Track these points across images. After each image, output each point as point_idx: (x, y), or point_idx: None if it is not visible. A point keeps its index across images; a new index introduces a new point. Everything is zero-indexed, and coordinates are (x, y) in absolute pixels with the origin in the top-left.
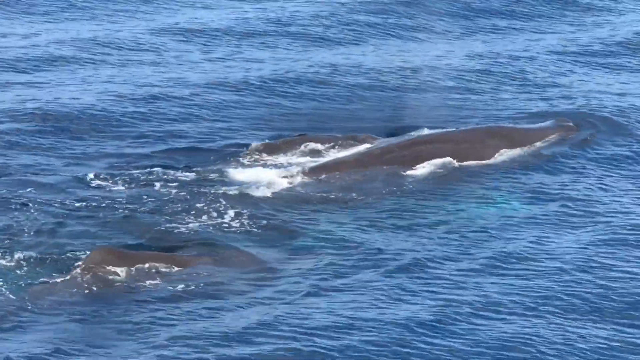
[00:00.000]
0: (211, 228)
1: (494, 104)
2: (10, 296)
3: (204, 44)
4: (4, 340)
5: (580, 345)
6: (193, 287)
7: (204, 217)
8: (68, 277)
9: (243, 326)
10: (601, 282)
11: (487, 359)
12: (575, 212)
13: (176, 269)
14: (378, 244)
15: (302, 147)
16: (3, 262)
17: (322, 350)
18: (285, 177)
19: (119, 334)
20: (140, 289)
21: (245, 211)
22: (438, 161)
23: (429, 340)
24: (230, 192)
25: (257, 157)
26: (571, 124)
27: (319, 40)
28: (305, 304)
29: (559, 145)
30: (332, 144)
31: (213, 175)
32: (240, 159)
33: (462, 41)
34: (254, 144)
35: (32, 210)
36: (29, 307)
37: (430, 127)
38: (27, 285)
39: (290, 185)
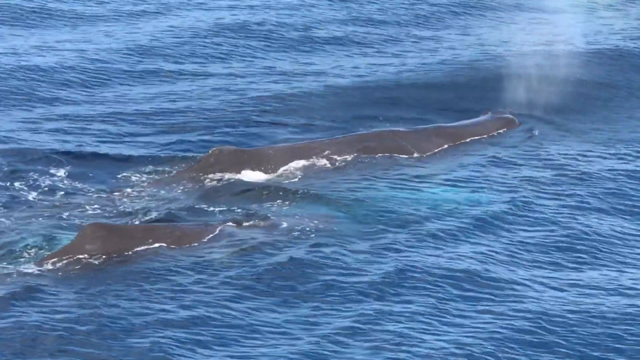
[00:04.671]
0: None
1: None
2: (7, 279)
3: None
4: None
5: None
6: (186, 258)
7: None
8: (61, 255)
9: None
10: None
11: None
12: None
13: (169, 239)
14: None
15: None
16: None
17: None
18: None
19: (116, 311)
20: (134, 263)
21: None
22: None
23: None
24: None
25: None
26: (510, 116)
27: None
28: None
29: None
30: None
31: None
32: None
33: None
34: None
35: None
36: (24, 287)
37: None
38: (21, 265)
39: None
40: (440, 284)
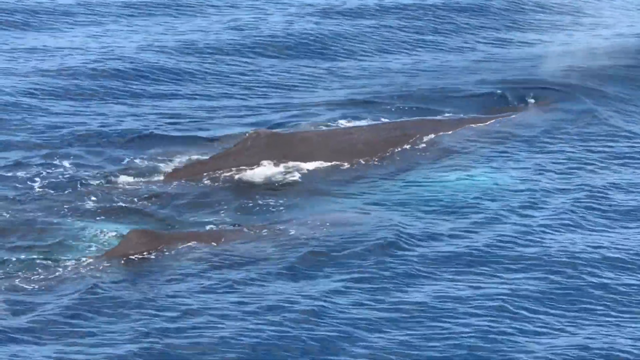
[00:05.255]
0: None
1: None
2: (49, 277)
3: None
4: (42, 319)
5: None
6: (228, 262)
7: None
8: (105, 259)
9: (279, 298)
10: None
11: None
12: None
13: (211, 245)
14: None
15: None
16: (41, 243)
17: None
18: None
19: (157, 313)
20: (176, 268)
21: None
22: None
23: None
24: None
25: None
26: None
27: None
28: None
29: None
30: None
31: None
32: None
33: None
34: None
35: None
36: (67, 289)
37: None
38: (63, 266)
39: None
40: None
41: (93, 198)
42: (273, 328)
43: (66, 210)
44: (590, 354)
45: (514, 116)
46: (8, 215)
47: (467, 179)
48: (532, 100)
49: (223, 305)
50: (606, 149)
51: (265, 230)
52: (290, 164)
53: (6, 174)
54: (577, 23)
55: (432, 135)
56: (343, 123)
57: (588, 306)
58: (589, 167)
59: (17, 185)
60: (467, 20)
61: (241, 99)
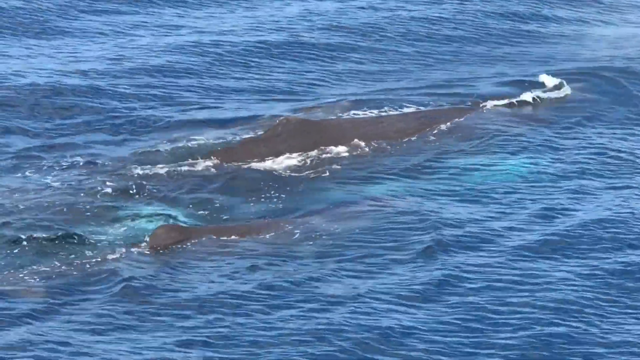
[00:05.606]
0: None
1: None
2: (74, 272)
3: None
4: (69, 314)
5: None
6: (258, 256)
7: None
8: (133, 254)
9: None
10: None
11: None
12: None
13: (240, 238)
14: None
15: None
16: (67, 238)
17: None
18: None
19: (187, 310)
20: (205, 263)
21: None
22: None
23: None
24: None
25: None
26: None
27: None
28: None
29: None
30: None
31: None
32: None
33: None
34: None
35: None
36: (92, 284)
37: None
38: (89, 263)
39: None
40: None
41: (111, 185)
42: (311, 325)
43: (92, 201)
44: None
45: (550, 101)
46: (36, 205)
47: (505, 165)
48: (568, 86)
49: (254, 299)
50: None
51: (298, 221)
52: (321, 151)
53: (36, 160)
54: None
55: (465, 123)
56: (370, 112)
57: None
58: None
59: (47, 172)
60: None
61: (271, 88)
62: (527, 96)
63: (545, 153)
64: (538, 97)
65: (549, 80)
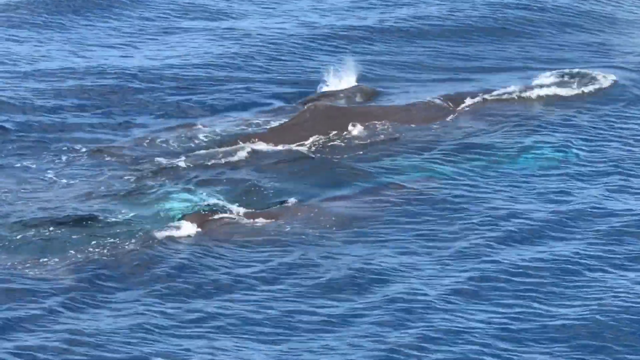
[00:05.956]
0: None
1: None
2: (104, 259)
3: None
4: (101, 293)
5: None
6: (286, 243)
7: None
8: (163, 242)
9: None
10: None
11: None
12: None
13: (267, 225)
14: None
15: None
16: (96, 225)
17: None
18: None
19: (217, 295)
20: (231, 250)
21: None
22: None
23: None
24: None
25: None
26: None
27: None
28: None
29: None
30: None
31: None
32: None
33: None
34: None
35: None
36: (122, 270)
37: None
38: (119, 250)
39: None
40: None
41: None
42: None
43: (123, 188)
44: None
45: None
46: (66, 192)
47: (534, 151)
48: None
49: (281, 286)
50: None
51: (325, 205)
52: (348, 137)
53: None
54: None
55: (490, 110)
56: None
57: None
58: None
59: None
60: None
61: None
62: (568, 85)
63: (582, 141)
64: (581, 87)
65: (594, 72)
